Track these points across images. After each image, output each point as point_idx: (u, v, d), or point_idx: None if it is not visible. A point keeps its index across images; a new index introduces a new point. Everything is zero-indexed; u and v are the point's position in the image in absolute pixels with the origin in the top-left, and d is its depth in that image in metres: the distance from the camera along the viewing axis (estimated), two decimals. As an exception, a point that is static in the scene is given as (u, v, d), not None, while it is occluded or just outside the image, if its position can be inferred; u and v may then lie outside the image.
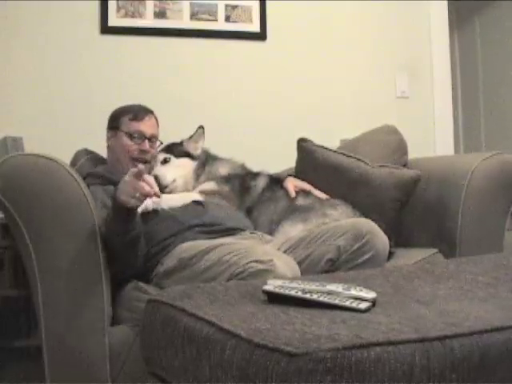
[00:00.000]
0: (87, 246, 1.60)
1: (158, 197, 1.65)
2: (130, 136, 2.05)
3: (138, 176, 1.58)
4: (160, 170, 2.11)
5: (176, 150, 2.17)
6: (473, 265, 1.48)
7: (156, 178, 1.97)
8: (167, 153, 2.16)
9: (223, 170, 2.21)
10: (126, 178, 1.60)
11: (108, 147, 2.12)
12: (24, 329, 2.28)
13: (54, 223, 1.58)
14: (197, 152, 2.20)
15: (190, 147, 2.20)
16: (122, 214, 1.62)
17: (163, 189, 2.02)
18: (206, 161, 2.21)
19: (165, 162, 2.14)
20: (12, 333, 2.27)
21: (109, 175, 2.00)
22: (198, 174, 2.17)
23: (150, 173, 2.15)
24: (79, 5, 2.68)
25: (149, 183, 1.60)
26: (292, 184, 2.19)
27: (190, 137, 2.21)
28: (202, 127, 2.21)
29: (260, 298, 1.17)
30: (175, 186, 2.11)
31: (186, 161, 2.17)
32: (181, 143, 2.21)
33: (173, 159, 2.15)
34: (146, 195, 1.60)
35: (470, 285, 1.26)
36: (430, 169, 2.26)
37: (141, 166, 1.63)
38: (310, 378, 0.83)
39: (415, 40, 3.18)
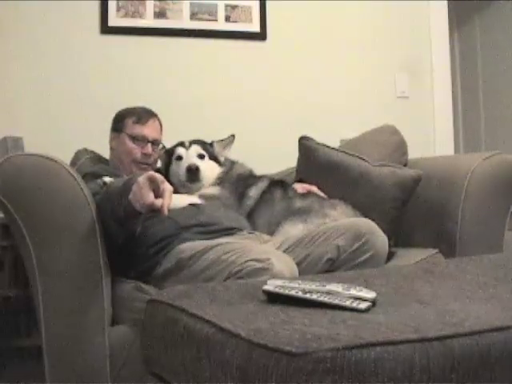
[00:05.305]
0: (87, 246, 1.60)
1: (163, 214, 1.47)
2: (133, 139, 2.06)
3: (152, 181, 1.47)
4: (201, 163, 2.09)
5: (209, 150, 2.16)
6: (473, 265, 1.48)
7: (197, 169, 2.05)
8: (202, 149, 2.14)
9: (233, 172, 2.20)
10: (141, 179, 1.48)
11: (111, 148, 2.13)
12: (24, 329, 2.28)
13: (53, 223, 1.58)
14: (221, 158, 2.20)
15: (218, 152, 2.19)
16: (130, 211, 1.54)
17: (197, 182, 2.07)
18: (229, 170, 2.19)
19: (200, 157, 2.12)
20: (12, 333, 2.27)
21: (106, 174, 1.99)
22: (217, 182, 2.13)
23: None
24: (79, 5, 2.68)
25: (162, 194, 1.47)
26: (300, 185, 2.20)
27: (221, 140, 2.20)
28: (233, 136, 2.21)
29: (260, 297, 1.16)
30: (202, 185, 2.10)
31: (214, 165, 2.16)
32: (211, 144, 2.20)
33: (207, 159, 2.14)
34: (149, 206, 1.46)
35: (470, 285, 1.26)
36: (429, 169, 2.26)
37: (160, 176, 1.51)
38: (309, 377, 0.83)
39: (415, 40, 3.18)
